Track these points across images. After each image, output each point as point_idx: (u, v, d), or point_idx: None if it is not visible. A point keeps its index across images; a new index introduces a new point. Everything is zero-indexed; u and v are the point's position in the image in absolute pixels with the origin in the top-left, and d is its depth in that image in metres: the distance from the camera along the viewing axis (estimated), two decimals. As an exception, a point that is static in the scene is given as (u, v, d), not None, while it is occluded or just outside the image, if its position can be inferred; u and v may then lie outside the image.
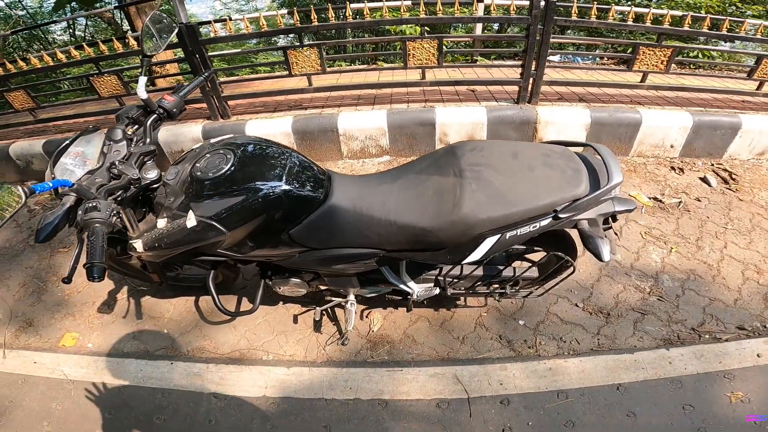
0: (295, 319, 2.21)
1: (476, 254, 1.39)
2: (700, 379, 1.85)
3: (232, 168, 1.34)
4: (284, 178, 1.36)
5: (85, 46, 3.25)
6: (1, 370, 2.13)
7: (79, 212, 1.12)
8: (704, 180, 3.03)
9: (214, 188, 1.33)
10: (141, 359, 2.10)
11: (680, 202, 2.84)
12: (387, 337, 2.11)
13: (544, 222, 1.34)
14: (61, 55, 3.26)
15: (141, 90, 1.49)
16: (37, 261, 2.79)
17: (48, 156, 3.49)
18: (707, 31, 2.91)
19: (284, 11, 3.14)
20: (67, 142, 1.41)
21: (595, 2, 2.98)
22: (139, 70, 1.54)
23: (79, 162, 1.37)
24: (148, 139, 1.47)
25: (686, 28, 2.89)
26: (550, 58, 4.67)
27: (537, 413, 1.76)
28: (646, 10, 2.86)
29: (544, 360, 1.95)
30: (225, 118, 3.48)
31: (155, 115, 1.51)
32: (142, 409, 1.89)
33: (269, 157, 1.44)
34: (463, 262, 1.46)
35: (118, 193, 1.27)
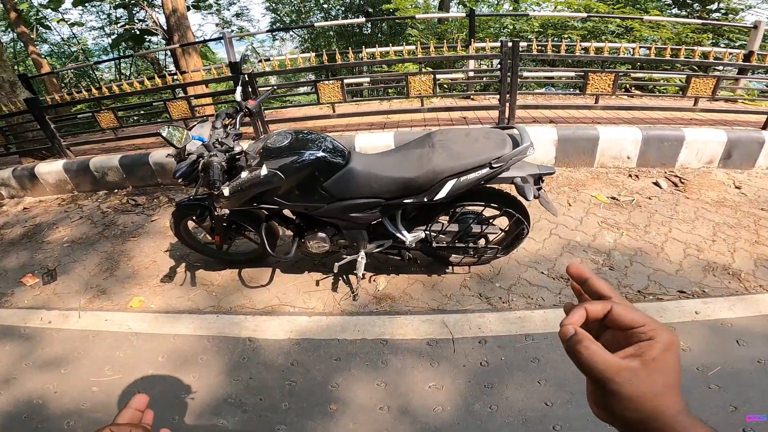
0: (317, 283, 2.51)
1: (443, 192, 1.86)
2: (640, 330, 2.04)
3: (291, 142, 1.92)
4: (321, 148, 1.93)
5: (156, 77, 3.85)
6: (76, 328, 2.36)
7: (206, 156, 1.76)
8: (656, 184, 3.30)
9: (279, 153, 1.88)
10: (192, 314, 2.38)
11: (633, 200, 3.10)
12: (389, 294, 2.38)
13: (483, 171, 1.82)
14: (147, 83, 3.92)
15: (238, 95, 2.06)
16: (110, 247, 3.16)
17: (123, 168, 3.97)
18: (638, 57, 3.30)
19: (311, 54, 3.69)
20: (191, 126, 2.03)
21: (550, 41, 3.42)
22: (239, 83, 2.13)
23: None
24: (238, 127, 2.00)
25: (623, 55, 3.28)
26: (537, 91, 5.17)
27: (508, 351, 1.96)
28: (588, 44, 3.28)
29: (515, 311, 2.18)
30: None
31: (242, 113, 2.04)
32: (190, 352, 2.12)
33: (312, 138, 2.01)
34: (434, 199, 1.89)
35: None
